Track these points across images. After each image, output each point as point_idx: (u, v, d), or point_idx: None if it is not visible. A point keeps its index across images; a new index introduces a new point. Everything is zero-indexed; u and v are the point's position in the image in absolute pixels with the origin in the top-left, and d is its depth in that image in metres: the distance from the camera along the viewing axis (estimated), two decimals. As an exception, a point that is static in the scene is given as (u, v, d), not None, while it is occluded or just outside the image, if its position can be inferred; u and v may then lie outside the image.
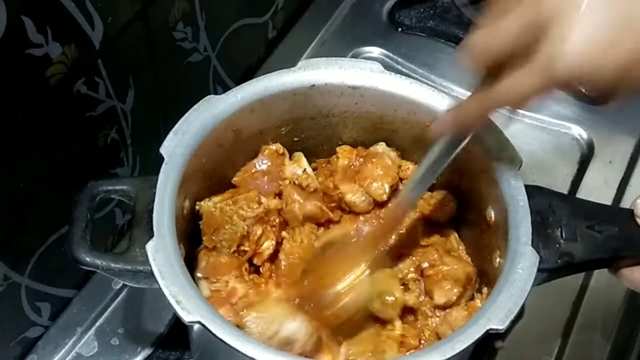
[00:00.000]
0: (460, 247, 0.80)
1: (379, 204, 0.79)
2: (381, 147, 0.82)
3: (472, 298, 0.75)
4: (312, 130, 0.82)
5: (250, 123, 0.77)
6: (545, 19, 0.53)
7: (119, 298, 0.89)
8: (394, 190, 0.79)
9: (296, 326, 0.68)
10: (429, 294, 0.75)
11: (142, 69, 0.85)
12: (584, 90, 1.10)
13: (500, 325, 0.62)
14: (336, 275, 0.71)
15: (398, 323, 0.73)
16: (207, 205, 0.75)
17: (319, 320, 0.69)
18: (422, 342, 0.73)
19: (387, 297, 0.72)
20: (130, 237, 0.68)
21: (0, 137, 0.67)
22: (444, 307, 0.74)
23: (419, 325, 0.74)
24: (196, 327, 0.61)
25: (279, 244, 0.78)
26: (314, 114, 0.80)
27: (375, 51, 1.16)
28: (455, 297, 0.74)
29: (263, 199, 0.77)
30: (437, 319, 0.74)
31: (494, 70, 0.59)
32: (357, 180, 0.79)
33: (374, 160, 0.79)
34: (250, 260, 0.76)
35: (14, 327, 0.82)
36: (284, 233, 0.78)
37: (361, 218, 0.79)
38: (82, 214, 0.68)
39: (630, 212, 0.74)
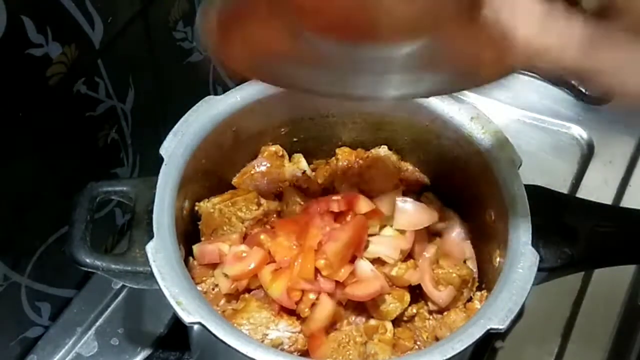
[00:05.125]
0: (460, 247, 0.80)
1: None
2: (383, 150, 0.82)
3: (470, 299, 0.75)
4: (312, 130, 0.82)
5: (249, 124, 0.77)
6: None
7: (119, 298, 0.90)
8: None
9: (281, 330, 0.68)
10: (424, 298, 0.75)
11: (142, 69, 0.85)
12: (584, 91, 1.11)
13: (500, 325, 0.62)
14: None
15: (389, 326, 0.72)
16: (206, 206, 0.75)
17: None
18: (418, 343, 0.73)
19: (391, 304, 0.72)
20: (130, 238, 0.68)
21: (0, 137, 0.67)
22: (439, 311, 0.74)
23: (415, 327, 0.74)
24: (196, 327, 0.61)
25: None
26: (313, 115, 0.80)
27: (375, 51, 1.15)
28: (449, 301, 0.73)
29: (262, 201, 0.77)
30: (435, 321, 0.74)
31: None
32: (358, 185, 0.79)
33: (377, 165, 0.79)
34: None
35: (14, 327, 0.82)
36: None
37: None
38: (81, 215, 0.68)
39: (631, 211, 0.75)
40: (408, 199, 0.77)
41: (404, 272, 0.71)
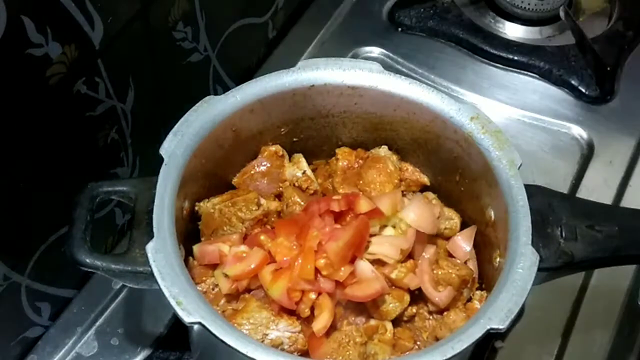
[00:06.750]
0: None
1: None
2: (383, 150, 0.82)
3: (469, 299, 0.75)
4: (312, 130, 0.82)
5: (249, 123, 0.77)
6: None
7: (119, 298, 0.90)
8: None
9: (281, 330, 0.68)
10: (424, 298, 0.75)
11: (142, 69, 0.85)
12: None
13: (500, 324, 0.62)
14: None
15: (389, 326, 0.72)
16: (206, 206, 0.75)
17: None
18: (418, 343, 0.73)
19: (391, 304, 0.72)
20: (130, 238, 0.68)
21: (0, 137, 0.67)
22: (439, 311, 0.74)
23: (415, 327, 0.74)
24: (196, 327, 0.61)
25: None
26: (313, 115, 0.80)
27: (375, 51, 1.16)
28: (448, 302, 0.73)
29: (262, 201, 0.77)
30: (435, 321, 0.74)
31: None
32: (359, 186, 0.79)
33: (378, 165, 0.79)
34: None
35: (14, 327, 0.82)
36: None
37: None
38: (81, 215, 0.68)
39: (631, 211, 0.75)
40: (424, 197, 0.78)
41: (403, 275, 0.71)
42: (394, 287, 0.72)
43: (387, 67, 0.81)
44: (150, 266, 0.63)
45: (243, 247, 0.73)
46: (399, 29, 1.18)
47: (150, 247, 0.64)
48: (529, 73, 1.13)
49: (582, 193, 1.01)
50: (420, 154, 0.82)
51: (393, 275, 0.71)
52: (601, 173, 1.04)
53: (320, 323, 0.69)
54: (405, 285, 0.72)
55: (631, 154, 1.06)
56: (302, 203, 0.78)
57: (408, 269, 0.72)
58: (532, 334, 0.88)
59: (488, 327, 0.62)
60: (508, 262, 0.67)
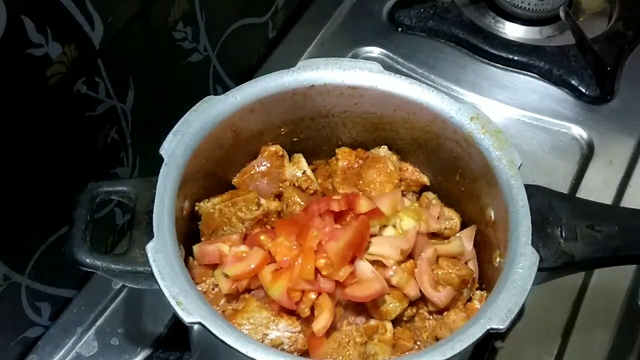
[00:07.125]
0: (460, 247, 0.80)
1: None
2: (383, 150, 0.82)
3: (469, 299, 0.75)
4: (312, 130, 0.82)
5: (249, 123, 0.77)
6: None
7: (119, 298, 0.90)
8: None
9: (281, 330, 0.68)
10: (423, 299, 0.75)
11: (142, 69, 0.85)
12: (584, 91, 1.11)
13: (500, 324, 0.62)
14: None
15: (389, 326, 0.72)
16: (206, 206, 0.75)
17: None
18: (418, 344, 0.73)
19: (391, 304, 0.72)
20: (130, 238, 0.68)
21: (0, 137, 0.67)
22: (439, 311, 0.74)
23: (415, 327, 0.74)
24: (196, 327, 0.61)
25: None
26: (313, 115, 0.80)
27: (375, 51, 1.16)
28: (448, 302, 0.73)
29: (262, 201, 0.77)
30: (435, 321, 0.74)
31: None
32: (359, 186, 0.79)
33: (378, 165, 0.80)
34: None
35: (14, 327, 0.82)
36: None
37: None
38: (81, 215, 0.68)
39: (631, 211, 0.75)
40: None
41: (404, 282, 0.71)
42: (393, 287, 0.72)
43: (387, 67, 0.81)
44: (150, 266, 0.63)
45: (243, 247, 0.73)
46: (399, 29, 1.18)
47: (150, 247, 0.64)
48: (529, 73, 1.14)
49: (582, 193, 1.01)
50: (420, 154, 0.82)
51: (394, 282, 0.71)
52: (601, 173, 1.04)
53: (320, 323, 0.69)
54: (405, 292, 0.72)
55: (631, 154, 1.06)
56: (302, 203, 0.78)
57: (409, 272, 0.71)
58: (532, 334, 0.88)
59: (488, 327, 0.62)
60: (508, 262, 0.67)
